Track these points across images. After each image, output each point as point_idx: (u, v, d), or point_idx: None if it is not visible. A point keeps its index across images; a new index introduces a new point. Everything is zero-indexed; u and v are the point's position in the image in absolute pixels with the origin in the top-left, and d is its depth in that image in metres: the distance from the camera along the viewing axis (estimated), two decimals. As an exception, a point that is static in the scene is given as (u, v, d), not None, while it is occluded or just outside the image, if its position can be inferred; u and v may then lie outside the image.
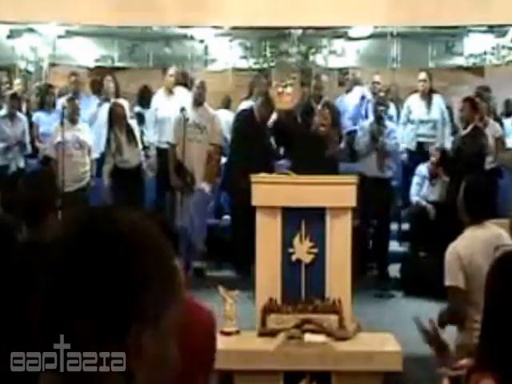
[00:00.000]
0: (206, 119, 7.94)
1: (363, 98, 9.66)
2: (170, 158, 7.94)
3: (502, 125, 9.25)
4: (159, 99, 9.15)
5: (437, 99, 9.05)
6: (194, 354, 2.79)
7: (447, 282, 4.11)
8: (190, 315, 2.89)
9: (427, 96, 8.93)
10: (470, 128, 7.49)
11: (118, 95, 9.24)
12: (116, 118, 8.16)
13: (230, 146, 8.30)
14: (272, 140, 8.14)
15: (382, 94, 8.86)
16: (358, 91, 10.10)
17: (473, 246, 4.11)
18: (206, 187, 7.41)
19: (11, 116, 8.80)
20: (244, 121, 7.98)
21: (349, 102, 10.01)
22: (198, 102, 7.98)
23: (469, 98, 7.71)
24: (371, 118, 8.48)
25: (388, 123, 8.29)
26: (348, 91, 10.35)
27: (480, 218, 4.22)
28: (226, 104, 10.92)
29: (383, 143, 8.02)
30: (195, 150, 7.78)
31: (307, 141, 7.30)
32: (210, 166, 7.88)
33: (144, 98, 9.70)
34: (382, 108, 8.23)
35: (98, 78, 11.03)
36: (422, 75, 9.00)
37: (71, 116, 8.29)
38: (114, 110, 8.23)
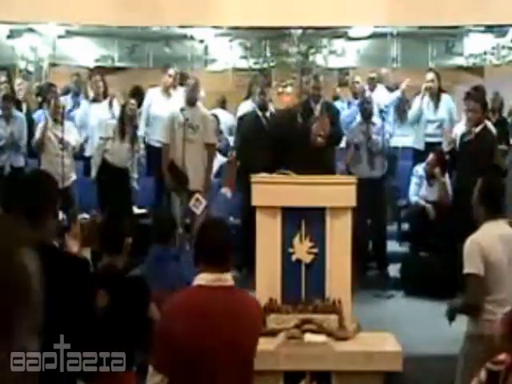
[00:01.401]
0: (199, 119, 7.91)
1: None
2: (163, 157, 7.92)
3: (506, 123, 9.22)
4: (154, 97, 9.15)
5: (445, 99, 8.98)
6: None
7: (467, 270, 4.13)
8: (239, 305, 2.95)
9: (436, 96, 8.87)
10: (479, 128, 7.47)
11: (106, 95, 9.23)
12: (125, 116, 8.15)
13: (236, 149, 8.27)
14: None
15: (366, 94, 8.82)
16: (380, 89, 10.12)
17: (492, 240, 4.17)
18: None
19: (6, 116, 8.77)
20: (249, 123, 7.96)
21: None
22: (191, 102, 7.96)
23: (480, 99, 7.68)
24: (358, 119, 8.46)
25: (377, 121, 8.25)
26: (372, 89, 10.33)
27: (496, 214, 4.28)
28: (222, 104, 10.92)
29: (372, 143, 8.00)
30: (189, 150, 7.75)
31: (305, 153, 7.32)
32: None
33: (135, 98, 9.69)
34: (367, 107, 8.20)
35: (85, 80, 11.04)
36: (430, 75, 8.91)
37: (54, 115, 8.28)
38: (126, 111, 8.21)
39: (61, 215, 7.86)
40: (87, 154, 8.94)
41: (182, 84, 9.20)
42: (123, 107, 8.23)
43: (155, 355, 2.85)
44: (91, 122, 9.01)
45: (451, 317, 4.24)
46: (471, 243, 4.17)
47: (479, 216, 4.30)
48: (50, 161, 8.13)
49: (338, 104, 10.52)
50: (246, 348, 2.88)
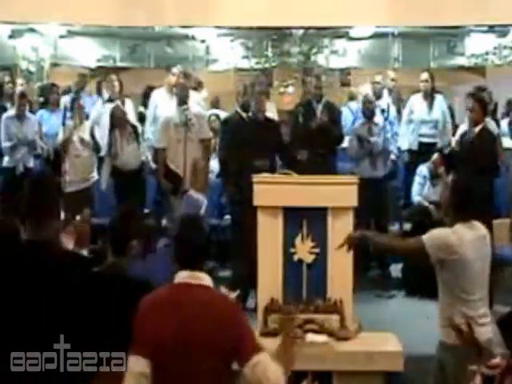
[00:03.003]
0: (193, 117, 7.88)
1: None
2: (160, 161, 7.91)
3: (498, 125, 9.21)
4: (160, 98, 9.13)
5: (439, 99, 9.02)
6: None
7: (424, 238, 4.09)
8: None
9: (429, 96, 8.90)
10: (478, 128, 7.45)
11: (121, 95, 9.20)
12: (116, 120, 8.19)
13: (223, 150, 7.84)
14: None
15: (368, 94, 8.82)
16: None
17: (463, 241, 4.08)
18: (193, 194, 7.28)
19: (20, 116, 8.76)
20: (233, 124, 7.76)
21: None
22: (182, 102, 7.93)
23: (479, 99, 7.67)
24: (361, 119, 8.47)
25: (379, 121, 8.25)
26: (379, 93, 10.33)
27: (468, 217, 4.18)
28: (216, 104, 10.90)
29: (374, 143, 8.01)
30: (186, 149, 7.72)
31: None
32: (196, 174, 7.76)
33: (148, 98, 9.68)
34: (369, 107, 8.21)
35: (101, 79, 11.05)
36: (424, 75, 8.96)
37: (77, 116, 8.30)
38: (114, 112, 8.25)
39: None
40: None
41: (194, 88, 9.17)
42: (112, 114, 8.26)
43: (137, 342, 2.92)
44: (103, 123, 8.97)
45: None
46: (442, 235, 4.11)
47: (448, 220, 4.22)
48: (72, 161, 8.12)
49: (353, 105, 10.52)
50: (218, 345, 2.91)
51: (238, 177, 6.98)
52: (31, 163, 8.81)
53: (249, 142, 7.17)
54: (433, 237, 4.11)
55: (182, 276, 3.02)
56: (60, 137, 8.32)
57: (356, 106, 10.34)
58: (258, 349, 2.96)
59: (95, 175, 8.37)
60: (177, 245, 3.14)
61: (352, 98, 11.26)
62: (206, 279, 3.02)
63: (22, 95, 8.93)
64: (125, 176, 8.12)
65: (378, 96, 9.39)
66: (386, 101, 9.61)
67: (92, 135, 8.34)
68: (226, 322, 2.94)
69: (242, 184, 6.66)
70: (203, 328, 2.90)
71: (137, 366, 2.90)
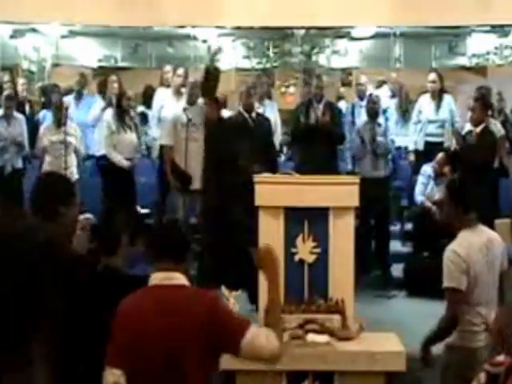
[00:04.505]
0: (201, 117, 7.90)
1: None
2: (167, 159, 7.93)
3: (505, 125, 9.21)
4: (165, 98, 9.13)
5: (447, 99, 8.99)
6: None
7: (447, 284, 4.06)
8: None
9: (437, 96, 8.88)
10: (480, 128, 7.45)
11: (121, 95, 9.19)
12: (122, 110, 8.22)
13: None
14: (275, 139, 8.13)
15: (373, 95, 8.83)
16: (385, 90, 10.10)
17: (470, 250, 4.07)
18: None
19: (7, 117, 8.75)
20: (235, 125, 7.76)
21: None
22: (192, 101, 7.95)
23: (480, 98, 7.67)
24: (364, 118, 8.47)
25: (383, 122, 8.26)
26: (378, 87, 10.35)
27: (471, 221, 4.15)
28: (223, 104, 10.90)
29: (377, 143, 8.01)
30: (193, 148, 7.74)
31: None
32: None
33: (149, 97, 9.68)
34: (374, 107, 8.22)
35: (103, 79, 11.05)
36: (432, 76, 8.93)
37: (59, 118, 8.36)
38: (122, 103, 8.29)
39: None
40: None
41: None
42: (119, 100, 8.29)
43: (111, 352, 2.89)
44: (102, 125, 8.96)
45: (440, 336, 4.13)
46: (450, 256, 4.06)
47: (455, 225, 4.17)
48: (51, 162, 8.18)
49: (341, 104, 10.53)
50: (186, 345, 2.89)
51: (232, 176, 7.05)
52: (19, 164, 8.80)
53: (248, 142, 7.19)
54: (448, 276, 4.06)
55: (159, 277, 3.00)
56: (41, 139, 8.44)
57: (345, 105, 10.38)
58: (245, 326, 2.92)
59: (76, 175, 8.40)
60: (153, 246, 3.13)
61: (340, 98, 11.30)
62: (181, 279, 3.01)
63: (8, 96, 8.92)
64: (116, 169, 8.15)
65: (361, 98, 9.41)
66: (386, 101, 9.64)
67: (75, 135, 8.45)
68: (207, 316, 2.91)
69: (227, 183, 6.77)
70: (185, 327, 2.89)
71: (111, 377, 2.87)
